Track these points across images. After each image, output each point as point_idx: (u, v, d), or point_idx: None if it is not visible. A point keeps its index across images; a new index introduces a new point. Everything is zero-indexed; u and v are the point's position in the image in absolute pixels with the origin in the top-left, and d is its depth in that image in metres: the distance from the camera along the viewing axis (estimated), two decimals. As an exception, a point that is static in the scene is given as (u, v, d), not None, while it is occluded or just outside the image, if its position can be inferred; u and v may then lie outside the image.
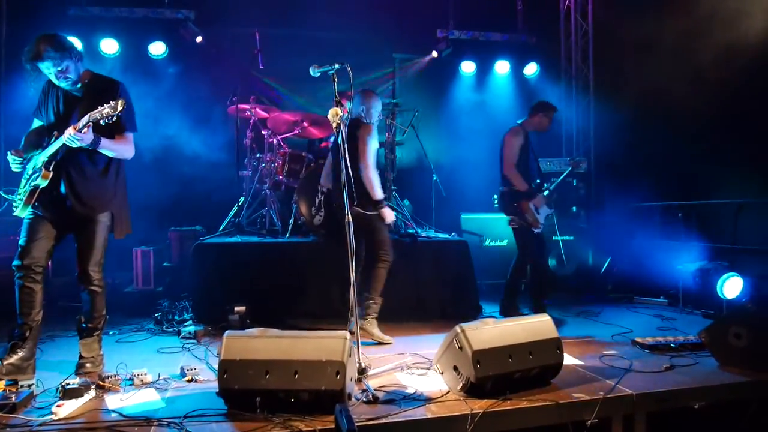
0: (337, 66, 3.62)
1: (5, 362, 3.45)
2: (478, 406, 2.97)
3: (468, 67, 8.50)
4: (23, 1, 6.91)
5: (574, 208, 7.40)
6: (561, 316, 5.45)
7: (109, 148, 3.55)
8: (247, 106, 6.12)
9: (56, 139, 3.47)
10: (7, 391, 3.04)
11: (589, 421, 3.03)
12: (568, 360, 3.74)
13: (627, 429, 3.18)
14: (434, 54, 8.27)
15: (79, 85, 3.59)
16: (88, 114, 3.33)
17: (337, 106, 3.55)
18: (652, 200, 6.97)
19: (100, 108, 3.30)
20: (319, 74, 3.67)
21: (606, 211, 7.34)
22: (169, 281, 5.97)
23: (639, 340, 4.31)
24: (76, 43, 7.12)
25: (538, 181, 5.36)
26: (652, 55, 7.10)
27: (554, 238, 6.53)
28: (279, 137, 6.12)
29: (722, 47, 6.17)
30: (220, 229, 6.03)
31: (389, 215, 4.51)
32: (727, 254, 5.98)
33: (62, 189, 3.54)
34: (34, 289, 3.57)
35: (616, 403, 3.16)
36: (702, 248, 6.28)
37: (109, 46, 7.31)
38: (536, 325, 3.42)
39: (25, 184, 3.57)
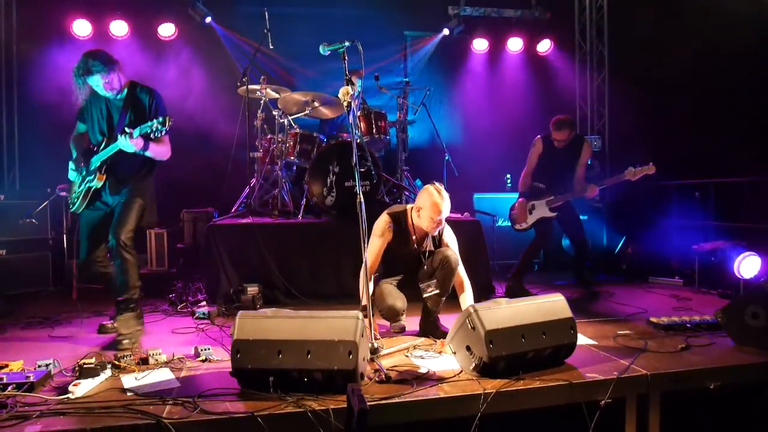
0: (347, 44, 3.56)
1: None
2: (491, 385, 2.96)
3: (480, 44, 8.36)
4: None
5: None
6: (574, 295, 5.42)
7: (153, 152, 3.97)
8: (257, 87, 6.08)
9: (106, 145, 3.94)
10: (25, 371, 3.10)
11: (603, 401, 3.01)
12: (582, 340, 3.72)
13: (641, 409, 3.16)
14: (446, 31, 8.14)
15: (120, 96, 4.00)
16: (139, 127, 3.74)
17: (347, 85, 3.50)
18: (668, 179, 6.87)
19: (150, 123, 3.70)
20: (328, 52, 3.62)
21: (620, 189, 7.26)
22: (182, 262, 6.02)
23: (654, 319, 4.26)
24: (87, 26, 7.14)
25: (542, 186, 5.59)
26: (668, 31, 6.95)
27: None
28: (290, 117, 6.08)
29: (741, 21, 6.02)
30: (233, 210, 6.04)
31: None
32: (745, 233, 5.90)
33: (107, 184, 4.04)
34: (109, 272, 4.13)
35: (631, 383, 3.13)
36: (718, 227, 6.20)
37: (119, 28, 7.28)
38: (550, 305, 3.39)
39: (80, 184, 4.07)
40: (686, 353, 3.57)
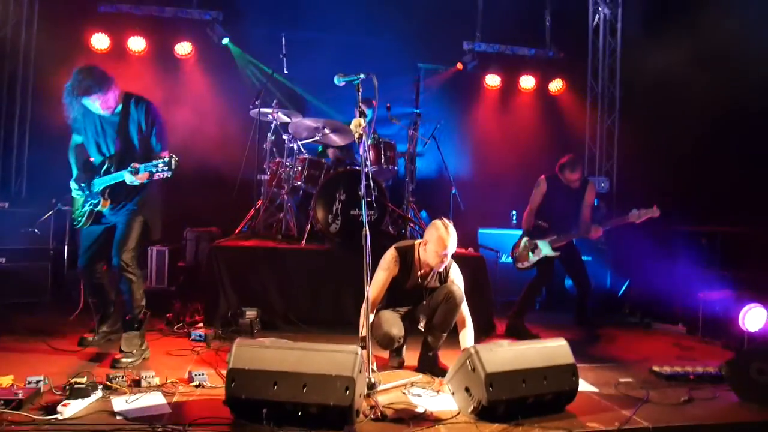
0: (362, 76, 3.56)
1: (99, 330, 4.28)
2: (489, 430, 2.91)
3: (493, 80, 8.43)
4: (55, -2, 7.00)
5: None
6: (575, 337, 5.34)
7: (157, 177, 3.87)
8: (269, 110, 6.11)
9: (108, 169, 3.92)
10: (14, 387, 3.04)
11: (603, 453, 2.94)
12: (583, 386, 3.63)
13: (642, 463, 3.08)
14: (459, 66, 8.22)
15: (115, 111, 3.91)
16: (144, 165, 3.70)
17: (359, 117, 3.51)
18: (676, 224, 6.83)
19: (156, 162, 3.67)
20: (343, 83, 3.63)
21: (626, 232, 7.22)
22: (182, 281, 5.97)
23: (656, 368, 4.18)
24: (105, 39, 7.22)
25: (545, 225, 5.52)
26: (680, 76, 6.98)
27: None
28: (299, 142, 6.10)
29: (754, 71, 6.05)
30: (236, 231, 6.01)
31: None
32: (751, 284, 5.81)
33: (108, 205, 4.03)
34: (102, 283, 4.27)
35: (632, 435, 3.06)
36: (724, 276, 6.12)
37: (137, 43, 7.38)
38: (552, 350, 3.33)
39: (83, 204, 4.08)
40: (689, 406, 3.49)
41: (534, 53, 8.43)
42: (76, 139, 4.16)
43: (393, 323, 3.90)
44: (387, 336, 3.84)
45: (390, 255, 4.01)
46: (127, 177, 3.75)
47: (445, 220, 3.95)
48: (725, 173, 6.47)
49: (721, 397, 3.68)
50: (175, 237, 6.33)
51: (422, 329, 4.02)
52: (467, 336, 3.96)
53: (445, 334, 4.00)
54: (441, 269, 4.00)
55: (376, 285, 3.90)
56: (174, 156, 3.67)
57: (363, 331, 3.54)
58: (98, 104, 3.81)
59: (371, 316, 3.67)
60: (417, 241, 4.08)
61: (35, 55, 7.14)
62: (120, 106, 3.92)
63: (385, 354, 4.21)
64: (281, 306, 5.19)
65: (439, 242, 3.83)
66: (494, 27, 8.17)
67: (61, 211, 5.63)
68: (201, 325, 4.93)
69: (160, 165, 3.65)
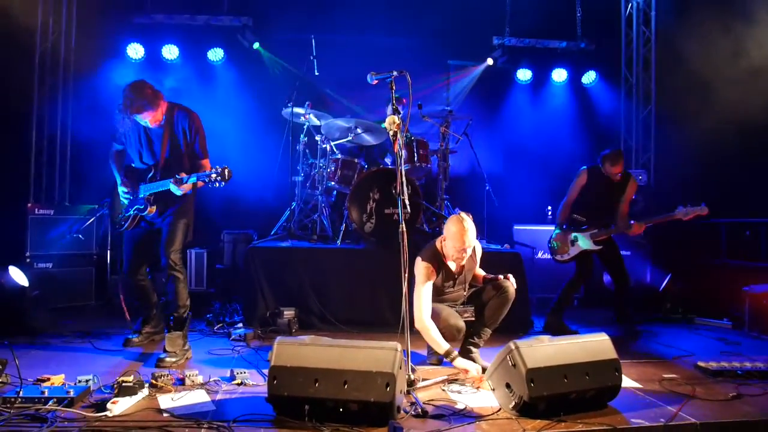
0: (395, 73, 3.58)
1: (143, 331, 4.44)
2: (531, 426, 2.87)
3: (524, 74, 8.34)
4: (91, 10, 7.17)
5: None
6: (615, 334, 5.24)
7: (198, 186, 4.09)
8: (301, 111, 6.16)
9: (153, 176, 4.09)
10: (66, 385, 3.14)
11: (649, 449, 2.88)
12: (626, 382, 3.57)
13: (689, 460, 3.01)
14: (490, 61, 8.14)
15: (162, 122, 4.08)
16: (194, 175, 3.90)
17: (394, 114, 3.51)
18: (717, 216, 6.64)
19: (207, 173, 3.84)
20: (375, 81, 3.64)
21: (666, 226, 7.06)
22: (221, 283, 6.07)
23: (702, 364, 4.07)
24: (140, 49, 7.40)
25: (581, 218, 5.43)
26: (718, 65, 6.79)
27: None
28: (332, 143, 6.14)
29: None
30: (272, 233, 6.09)
31: None
32: (799, 276, 5.63)
33: (154, 211, 4.17)
34: (146, 286, 4.41)
35: (679, 431, 2.99)
36: (770, 269, 5.94)
37: (171, 52, 7.54)
38: (594, 345, 3.28)
39: (128, 209, 4.22)
40: (737, 402, 3.39)
41: (565, 45, 8.29)
42: (117, 146, 4.32)
43: (457, 316, 3.95)
44: (456, 327, 3.88)
45: (422, 267, 3.92)
46: (172, 187, 3.92)
47: (462, 213, 3.94)
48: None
49: (772, 392, 3.58)
50: (213, 240, 6.44)
51: (468, 319, 4.03)
52: None
53: (490, 330, 4.02)
54: (464, 262, 4.01)
55: (426, 300, 3.84)
56: (227, 167, 3.78)
57: (440, 347, 3.72)
58: (149, 120, 3.97)
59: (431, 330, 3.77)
60: (437, 240, 4.07)
61: (74, 67, 7.35)
62: (164, 117, 4.05)
63: (423, 351, 4.21)
64: (318, 305, 5.23)
65: (456, 238, 3.85)
66: (524, 20, 8.05)
67: (104, 216, 5.81)
68: (240, 325, 5.01)
69: (213, 176, 3.79)
